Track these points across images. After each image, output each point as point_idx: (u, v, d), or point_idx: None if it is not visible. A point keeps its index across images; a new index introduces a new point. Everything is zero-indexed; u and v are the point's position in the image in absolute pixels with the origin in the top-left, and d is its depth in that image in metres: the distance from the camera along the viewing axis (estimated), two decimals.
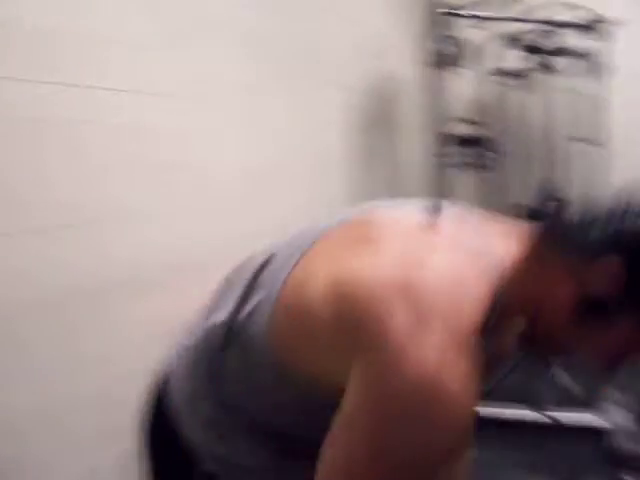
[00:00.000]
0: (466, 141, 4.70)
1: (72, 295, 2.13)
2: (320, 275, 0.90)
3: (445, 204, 1.02)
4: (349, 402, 0.81)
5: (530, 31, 4.71)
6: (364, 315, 0.82)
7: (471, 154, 4.74)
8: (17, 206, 1.95)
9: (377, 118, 4.71)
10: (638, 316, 0.88)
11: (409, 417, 0.77)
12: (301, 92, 3.66)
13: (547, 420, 3.00)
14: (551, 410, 3.05)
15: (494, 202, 5.12)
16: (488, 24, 4.46)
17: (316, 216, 3.35)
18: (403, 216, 0.99)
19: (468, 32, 4.30)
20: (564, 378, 3.02)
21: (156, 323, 2.43)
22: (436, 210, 0.95)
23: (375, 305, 0.82)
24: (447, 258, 0.88)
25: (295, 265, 0.95)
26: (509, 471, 2.40)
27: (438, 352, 0.78)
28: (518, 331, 0.99)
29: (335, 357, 0.85)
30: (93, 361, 2.23)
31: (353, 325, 0.83)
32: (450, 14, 4.22)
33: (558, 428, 2.95)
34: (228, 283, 1.13)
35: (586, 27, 4.41)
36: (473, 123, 4.56)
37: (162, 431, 1.12)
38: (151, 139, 2.53)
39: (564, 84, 4.63)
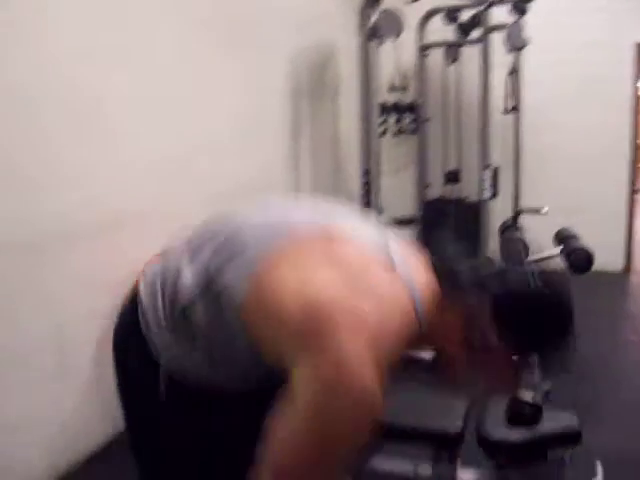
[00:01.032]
0: (395, 108, 5.07)
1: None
2: (291, 280, 1.07)
3: (392, 234, 1.22)
4: (294, 392, 1.01)
5: (453, 6, 5.10)
6: (316, 324, 1.02)
7: (399, 120, 5.11)
8: None
9: (314, 85, 4.99)
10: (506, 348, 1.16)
11: (338, 406, 1.00)
12: (242, 59, 3.90)
13: None
14: None
15: (418, 163, 5.55)
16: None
17: (250, 179, 3.63)
18: (362, 241, 1.17)
19: (399, 5, 4.62)
20: None
21: (91, 271, 2.66)
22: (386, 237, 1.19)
23: (325, 319, 1.02)
24: (389, 286, 1.09)
25: (269, 255, 1.11)
26: None
27: (364, 367, 1.00)
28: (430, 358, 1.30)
29: (285, 344, 1.05)
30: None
31: (306, 327, 1.03)
32: None
33: None
34: (197, 238, 1.26)
35: (504, 3, 4.81)
36: (402, 90, 4.89)
37: (132, 332, 1.24)
38: (99, 105, 2.73)
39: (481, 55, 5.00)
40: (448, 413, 2.13)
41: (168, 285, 1.20)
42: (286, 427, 1.02)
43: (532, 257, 3.33)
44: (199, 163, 3.38)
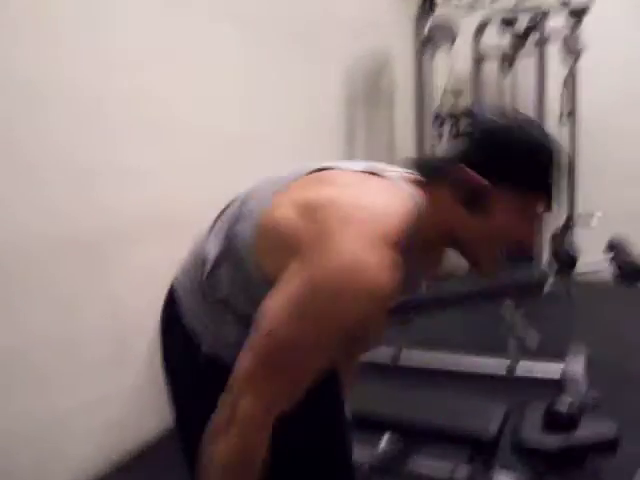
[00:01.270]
0: (450, 115, 5.07)
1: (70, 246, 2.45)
2: (286, 203, 1.14)
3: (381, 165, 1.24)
4: (284, 277, 1.06)
5: (509, 15, 5.09)
6: (308, 223, 1.07)
7: (454, 127, 5.10)
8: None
9: (369, 92, 5.05)
10: (508, 193, 1.09)
11: (329, 288, 1.00)
12: (298, 67, 3.98)
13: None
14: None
15: None
16: (472, 8, 4.81)
17: None
18: (350, 169, 1.22)
19: (454, 14, 4.65)
20: (527, 334, 3.43)
21: (149, 267, 2.75)
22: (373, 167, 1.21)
23: (319, 218, 1.06)
24: (378, 192, 1.13)
25: (270, 200, 1.18)
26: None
27: (356, 245, 1.01)
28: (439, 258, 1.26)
29: (290, 257, 1.07)
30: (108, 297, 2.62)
31: (302, 228, 1.08)
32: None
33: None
34: (216, 220, 1.35)
35: (560, 11, 4.78)
36: (456, 97, 4.90)
37: (174, 324, 1.32)
38: (165, 107, 2.87)
39: (537, 63, 4.97)
40: (485, 417, 2.14)
41: (198, 265, 1.29)
42: (276, 306, 1.06)
43: (581, 265, 3.31)
44: (256, 168, 3.45)
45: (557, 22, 4.88)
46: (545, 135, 1.15)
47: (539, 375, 3.33)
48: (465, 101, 5.15)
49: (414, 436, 2.27)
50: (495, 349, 3.48)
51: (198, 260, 1.30)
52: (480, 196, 1.09)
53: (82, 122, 2.45)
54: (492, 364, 3.46)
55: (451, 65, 4.62)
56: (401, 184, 1.16)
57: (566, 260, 3.22)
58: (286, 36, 3.81)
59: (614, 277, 3.10)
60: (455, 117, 5.11)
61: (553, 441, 1.98)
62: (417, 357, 3.60)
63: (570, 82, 4.89)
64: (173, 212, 2.87)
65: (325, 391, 1.40)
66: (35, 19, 2.24)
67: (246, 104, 3.45)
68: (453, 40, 4.53)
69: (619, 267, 3.12)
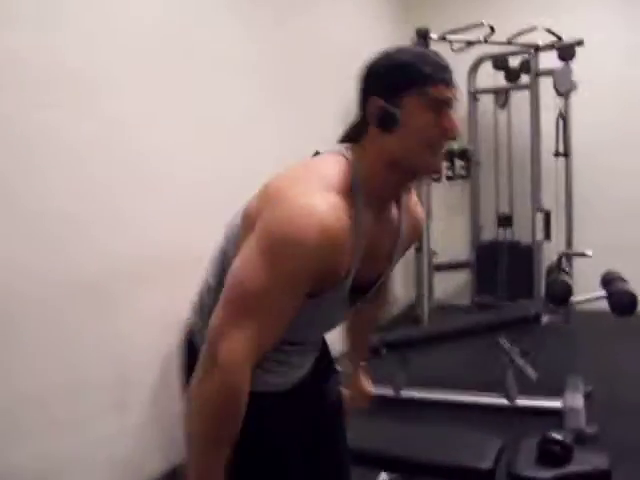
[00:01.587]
0: (447, 153, 5.18)
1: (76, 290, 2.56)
2: (255, 195, 1.30)
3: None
4: (247, 239, 1.20)
5: (502, 53, 5.23)
6: (268, 194, 1.25)
7: (451, 165, 5.22)
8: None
9: None
10: (402, 101, 1.25)
11: (282, 233, 1.14)
12: (302, 106, 4.09)
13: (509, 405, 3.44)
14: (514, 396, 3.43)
15: (471, 207, 5.63)
16: (465, 47, 4.95)
17: None
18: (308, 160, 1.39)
19: (448, 54, 4.77)
20: (525, 366, 3.46)
21: (157, 309, 2.81)
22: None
23: (270, 191, 1.25)
24: (319, 161, 1.32)
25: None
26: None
27: (303, 195, 1.16)
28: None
29: None
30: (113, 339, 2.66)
31: (259, 204, 1.24)
32: (432, 39, 4.72)
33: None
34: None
35: (552, 48, 4.91)
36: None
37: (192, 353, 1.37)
38: (161, 154, 2.92)
39: (531, 100, 5.09)
40: (480, 450, 2.18)
41: (204, 294, 1.41)
42: (241, 260, 1.19)
43: (576, 298, 3.36)
44: None
45: (549, 58, 5.03)
46: (404, 50, 1.32)
47: (537, 408, 3.36)
48: (461, 138, 5.25)
49: (410, 471, 2.31)
50: (493, 383, 3.51)
51: (204, 291, 1.40)
52: (386, 116, 1.26)
53: (82, 172, 2.53)
54: (490, 398, 3.49)
55: None
56: (338, 151, 1.33)
57: (561, 293, 3.28)
58: (286, 81, 3.92)
59: (610, 309, 3.16)
60: (451, 155, 5.23)
61: (547, 474, 2.02)
62: (416, 392, 3.63)
63: (563, 119, 5.00)
64: (175, 254, 2.92)
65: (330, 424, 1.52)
66: (35, 80, 2.34)
67: (248, 150, 3.53)
68: None
69: (613, 299, 3.19)
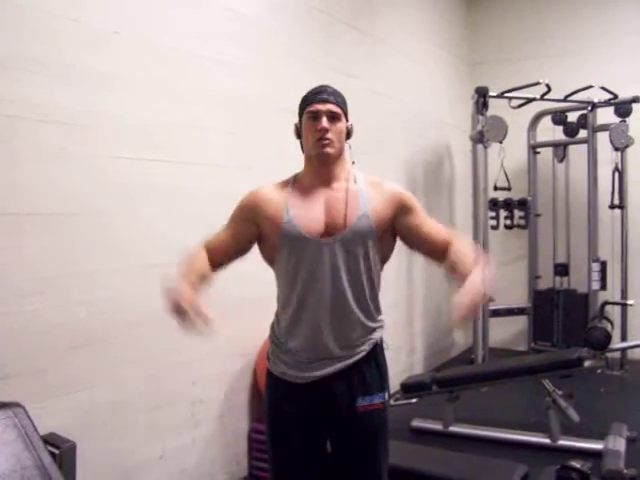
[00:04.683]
0: (505, 204, 5.41)
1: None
2: None
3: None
4: None
5: (561, 108, 5.46)
6: None
7: (510, 215, 5.44)
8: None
9: (430, 182, 5.47)
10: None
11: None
12: (368, 165, 4.38)
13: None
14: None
15: (529, 256, 5.82)
16: (523, 104, 5.21)
17: None
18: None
19: (508, 112, 5.06)
20: (568, 409, 3.58)
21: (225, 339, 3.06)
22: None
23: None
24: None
25: None
26: None
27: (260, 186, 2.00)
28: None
29: None
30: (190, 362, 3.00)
31: None
32: (491, 96, 5.00)
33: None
34: None
35: (609, 104, 5.10)
36: (506, 190, 5.24)
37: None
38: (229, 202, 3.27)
39: (588, 154, 5.27)
40: (507, 474, 2.40)
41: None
42: None
43: (615, 345, 3.52)
44: None
45: (606, 114, 5.23)
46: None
47: (579, 449, 3.48)
48: (517, 190, 5.47)
49: None
50: (538, 424, 3.67)
51: (275, 323, 2.05)
52: (296, 130, 2.01)
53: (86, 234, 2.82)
54: (532, 437, 3.64)
55: (502, 157, 4.99)
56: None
57: (599, 340, 3.45)
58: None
59: None
60: (509, 204, 5.46)
61: None
62: (463, 428, 3.83)
63: (618, 173, 5.16)
64: (237, 296, 3.23)
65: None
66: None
67: None
68: (504, 135, 4.91)
69: None
